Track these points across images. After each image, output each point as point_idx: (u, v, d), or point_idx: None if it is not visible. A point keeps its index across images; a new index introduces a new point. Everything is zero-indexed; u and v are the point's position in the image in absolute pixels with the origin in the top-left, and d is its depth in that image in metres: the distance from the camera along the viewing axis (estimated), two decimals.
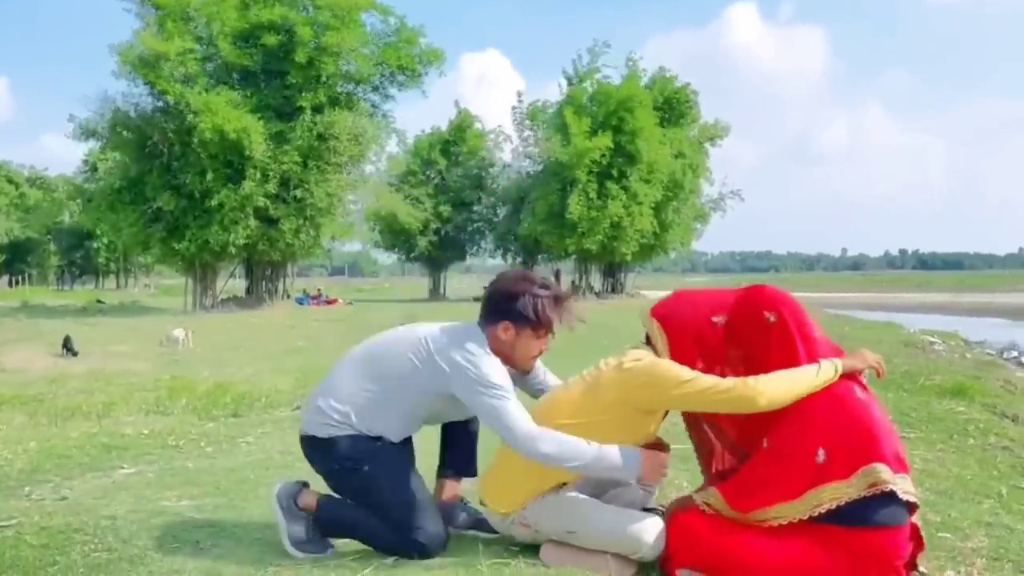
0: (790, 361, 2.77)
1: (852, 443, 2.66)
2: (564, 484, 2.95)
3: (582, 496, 2.97)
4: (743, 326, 2.86)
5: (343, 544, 3.08)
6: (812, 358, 2.78)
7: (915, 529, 2.77)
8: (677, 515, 2.86)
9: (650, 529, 2.80)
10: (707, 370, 2.79)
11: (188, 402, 7.85)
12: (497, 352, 3.01)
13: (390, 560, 2.86)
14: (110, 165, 29.90)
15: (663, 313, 2.98)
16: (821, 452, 2.65)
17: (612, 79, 35.56)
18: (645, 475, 2.81)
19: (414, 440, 3.24)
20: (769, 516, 2.67)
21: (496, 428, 2.85)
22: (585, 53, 36.13)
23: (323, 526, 3.08)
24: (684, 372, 2.75)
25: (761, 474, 2.70)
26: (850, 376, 2.80)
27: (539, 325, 3.01)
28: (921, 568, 2.95)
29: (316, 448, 3.07)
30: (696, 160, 36.60)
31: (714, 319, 2.90)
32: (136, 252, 33.96)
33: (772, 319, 2.83)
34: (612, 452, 2.77)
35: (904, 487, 2.65)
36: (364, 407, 3.01)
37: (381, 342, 3.17)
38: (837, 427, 2.68)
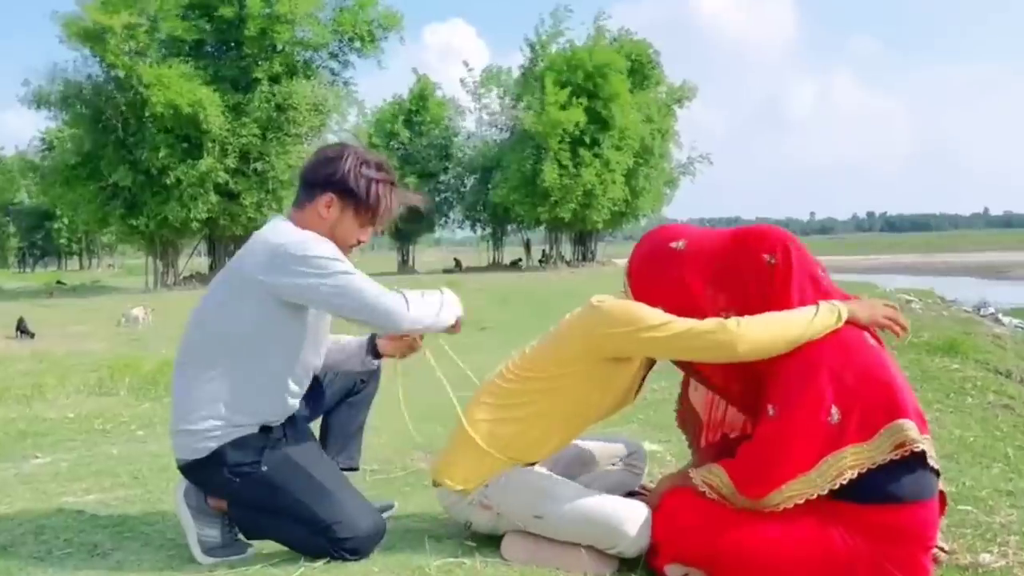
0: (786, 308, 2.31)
1: (870, 398, 2.20)
2: (534, 463, 2.50)
3: (555, 475, 2.50)
4: (738, 269, 2.37)
5: (265, 544, 2.59)
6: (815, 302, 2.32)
7: (942, 497, 2.34)
8: (665, 499, 2.39)
9: (632, 519, 2.33)
10: (670, 309, 2.33)
11: (132, 382, 7.31)
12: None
13: (320, 563, 2.37)
14: (65, 140, 29.10)
15: (633, 251, 2.55)
16: (835, 411, 2.19)
17: (576, 41, 35.25)
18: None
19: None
20: (783, 497, 2.20)
21: (352, 312, 2.39)
22: (548, 17, 35.81)
23: (241, 526, 2.58)
24: (655, 313, 2.30)
25: (772, 448, 2.22)
26: (857, 325, 2.34)
27: (367, 205, 2.52)
28: (945, 547, 2.54)
29: (202, 470, 2.50)
30: (665, 124, 36.40)
31: (672, 244, 2.44)
32: (94, 230, 33.24)
33: (773, 261, 2.36)
34: (446, 296, 2.57)
35: (930, 451, 2.21)
36: (226, 399, 2.45)
37: (191, 321, 2.58)
38: (850, 380, 2.21)
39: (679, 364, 2.52)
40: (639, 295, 2.42)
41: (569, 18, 35.89)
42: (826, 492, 2.17)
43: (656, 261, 2.45)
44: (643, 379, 2.55)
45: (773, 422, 2.24)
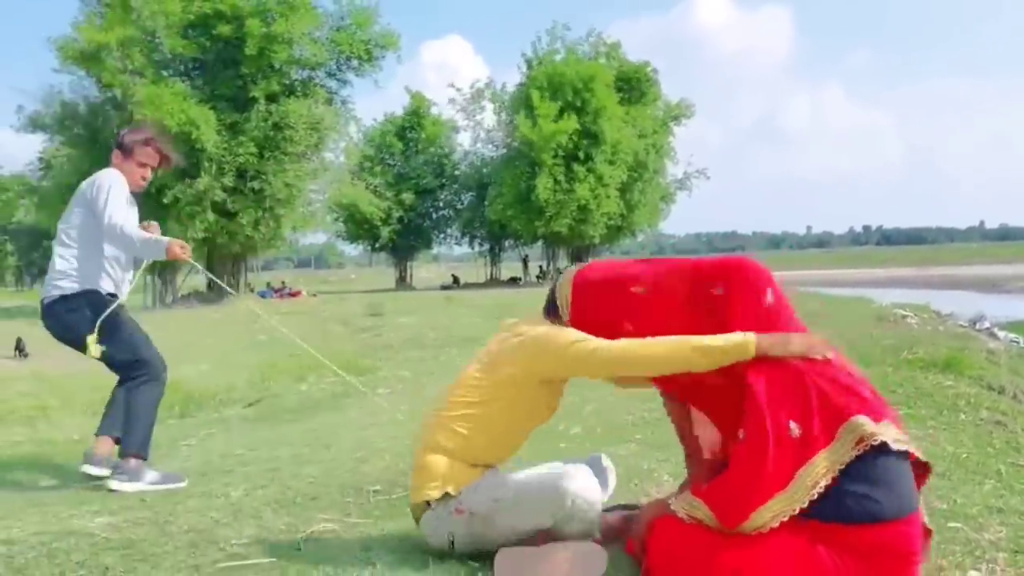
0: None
1: (822, 403, 2.30)
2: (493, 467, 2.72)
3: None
4: (691, 304, 2.52)
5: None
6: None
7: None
8: (656, 524, 2.46)
9: (573, 475, 2.56)
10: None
11: None
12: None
13: None
14: (63, 160, 29.19)
15: (579, 280, 2.72)
16: (793, 425, 2.28)
17: (563, 56, 35.60)
18: (171, 252, 3.98)
19: None
20: (764, 519, 2.27)
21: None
22: (545, 35, 36.15)
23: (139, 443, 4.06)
24: (575, 333, 2.55)
25: (745, 472, 2.30)
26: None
27: (126, 152, 4.27)
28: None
29: (69, 302, 4.07)
30: (660, 140, 36.52)
31: (633, 289, 2.59)
32: None
33: (720, 292, 2.50)
34: (146, 235, 4.07)
35: (894, 435, 2.27)
36: (92, 266, 4.14)
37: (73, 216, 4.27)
38: (798, 394, 2.31)
39: (670, 392, 2.63)
40: (577, 317, 2.65)
41: (566, 35, 36.24)
42: (806, 505, 2.23)
43: (609, 301, 2.61)
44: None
45: (742, 445, 2.32)
